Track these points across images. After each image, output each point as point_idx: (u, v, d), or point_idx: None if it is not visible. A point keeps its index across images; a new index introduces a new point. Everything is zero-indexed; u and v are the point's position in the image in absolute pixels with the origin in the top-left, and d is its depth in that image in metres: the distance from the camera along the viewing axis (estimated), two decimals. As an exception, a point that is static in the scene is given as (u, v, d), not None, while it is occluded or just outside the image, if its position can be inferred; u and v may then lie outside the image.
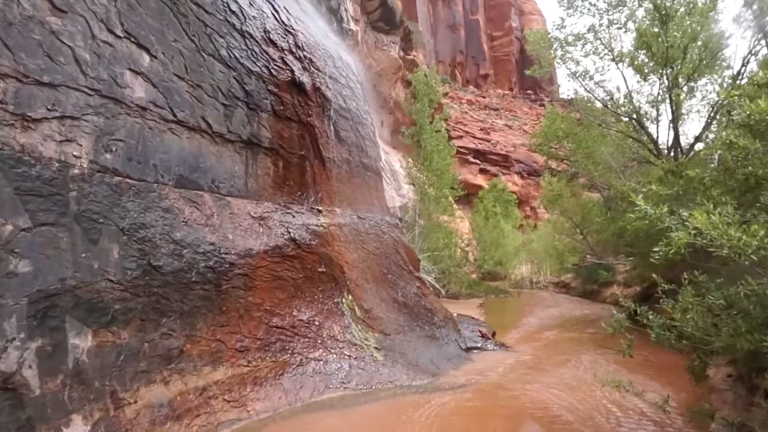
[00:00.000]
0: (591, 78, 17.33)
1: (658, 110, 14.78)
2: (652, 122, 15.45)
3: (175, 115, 5.13)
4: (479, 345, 9.41)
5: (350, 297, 7.05)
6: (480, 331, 10.21)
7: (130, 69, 4.55)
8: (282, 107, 7.01)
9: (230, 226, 5.66)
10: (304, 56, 7.69)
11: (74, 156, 3.93)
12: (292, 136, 7.17)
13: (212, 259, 5.16)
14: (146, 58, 4.78)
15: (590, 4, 16.20)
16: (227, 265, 5.34)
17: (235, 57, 6.29)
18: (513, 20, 75.90)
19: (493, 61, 74.60)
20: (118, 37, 4.43)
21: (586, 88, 17.57)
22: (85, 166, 4.02)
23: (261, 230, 6.12)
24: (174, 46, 5.22)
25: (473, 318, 12.67)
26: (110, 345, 3.84)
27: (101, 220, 4.04)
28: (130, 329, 4.07)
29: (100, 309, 3.84)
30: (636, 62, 12.55)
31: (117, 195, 4.28)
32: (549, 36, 16.66)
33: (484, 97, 67.10)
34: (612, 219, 19.24)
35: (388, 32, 26.16)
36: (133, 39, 4.60)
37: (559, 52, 17.27)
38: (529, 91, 73.11)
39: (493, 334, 10.40)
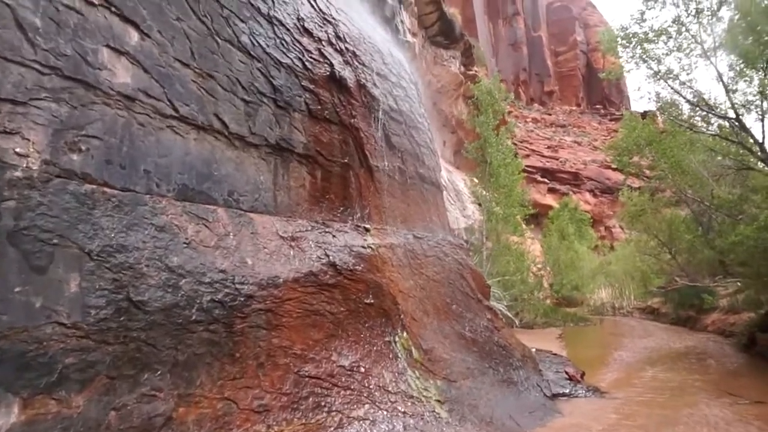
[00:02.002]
0: (676, 78, 15.38)
1: (763, 105, 12.71)
2: (756, 120, 13.35)
3: (176, 110, 4.06)
4: (567, 391, 7.77)
5: (405, 334, 5.70)
6: (566, 372, 8.54)
7: (109, 46, 3.52)
8: (319, 107, 5.88)
9: (251, 248, 4.50)
10: (346, 48, 6.58)
11: (16, 154, 2.89)
12: (333, 141, 6.02)
13: (222, 291, 3.99)
14: (134, 35, 3.75)
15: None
16: (243, 299, 4.16)
17: (260, 46, 5.23)
18: (578, 34, 73.18)
19: (558, 77, 71.96)
20: (91, 4, 3.41)
21: (672, 88, 15.60)
22: (34, 167, 2.97)
23: (292, 253, 4.93)
24: (176, 25, 4.19)
25: (554, 353, 10.93)
26: (51, 418, 2.70)
27: (55, 241, 2.96)
28: (89, 392, 2.93)
29: (39, 366, 2.72)
30: (741, 48, 10.61)
31: (87, 208, 3.21)
32: (627, 32, 14.86)
33: (549, 114, 64.58)
34: (705, 235, 16.89)
35: (447, 47, 25.06)
36: (114, 9, 3.59)
37: (638, 50, 15.45)
38: (597, 106, 69.85)
39: (582, 375, 8.69)
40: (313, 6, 6.46)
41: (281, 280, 4.63)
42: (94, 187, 3.32)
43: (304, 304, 4.80)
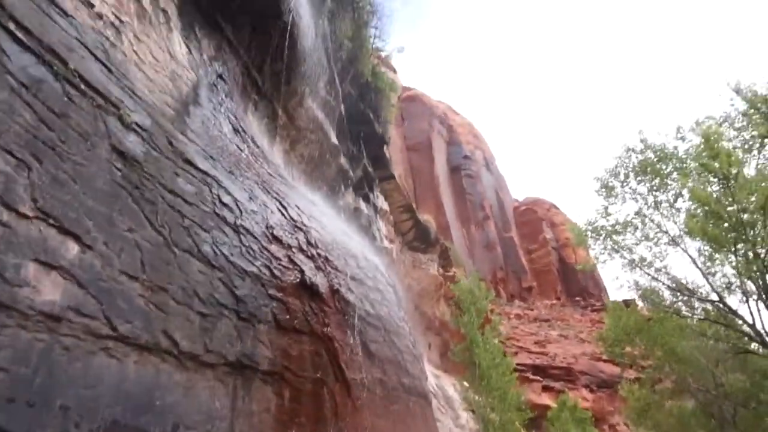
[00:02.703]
0: (651, 265, 15.56)
1: (744, 287, 12.64)
2: (741, 302, 13.15)
3: (114, 328, 3.50)
4: None
5: None
6: None
7: (38, 260, 3.09)
8: (288, 316, 5.38)
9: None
10: (318, 254, 6.33)
11: None
12: (303, 354, 5.38)
13: None
14: (73, 247, 3.36)
15: (630, 189, 15.32)
16: None
17: (224, 255, 4.91)
18: (546, 232, 77.45)
19: (535, 273, 74.01)
20: (23, 216, 3.08)
21: (650, 275, 15.66)
22: None
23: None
24: (127, 236, 3.87)
25: None
26: None
27: None
28: None
29: None
30: (707, 233, 10.81)
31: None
32: (595, 225, 15.38)
33: (532, 310, 64.83)
34: (721, 428, 15.46)
35: (425, 251, 25.75)
36: (52, 221, 3.25)
37: (609, 242, 15.86)
38: (577, 298, 70.75)
39: None
40: (283, 214, 6.38)
41: None
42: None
43: None
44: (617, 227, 15.40)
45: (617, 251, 15.70)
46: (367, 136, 17.13)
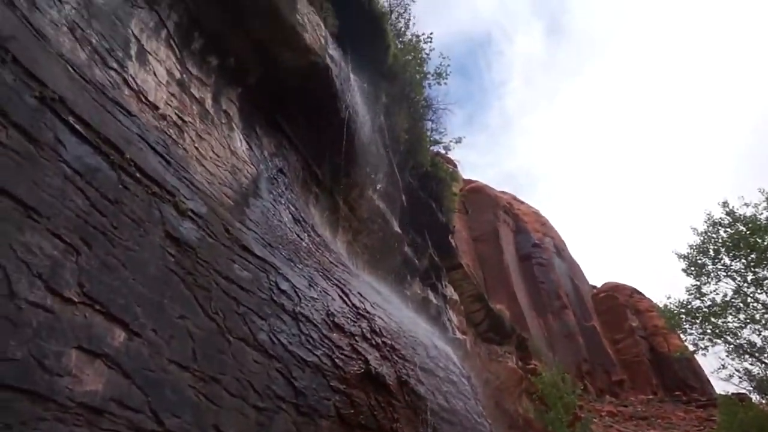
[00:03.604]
0: (762, 351, 13.79)
1: None
2: None
3: (161, 423, 3.22)
4: None
5: None
6: None
7: (81, 348, 2.92)
8: (352, 411, 4.91)
9: None
10: (383, 342, 5.91)
11: None
12: (371, 453, 4.83)
13: None
14: (119, 335, 3.19)
15: (723, 266, 13.98)
16: None
17: (281, 343, 4.63)
18: (631, 320, 72.20)
19: (624, 365, 68.15)
20: (68, 301, 2.96)
21: (765, 364, 13.85)
22: None
23: None
24: (178, 323, 3.68)
25: None
26: None
27: None
28: None
29: None
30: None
31: None
32: (689, 307, 14.00)
33: (626, 406, 58.88)
34: None
35: (500, 342, 24.39)
36: (98, 307, 3.11)
37: (708, 326, 14.29)
38: (677, 393, 63.92)
39: None
40: (345, 301, 6.10)
41: None
42: None
43: None
44: (715, 309, 13.94)
45: (719, 336, 14.12)
46: (430, 226, 16.95)
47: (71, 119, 3.52)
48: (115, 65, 5.06)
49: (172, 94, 5.93)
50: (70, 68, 4.20)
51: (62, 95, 3.56)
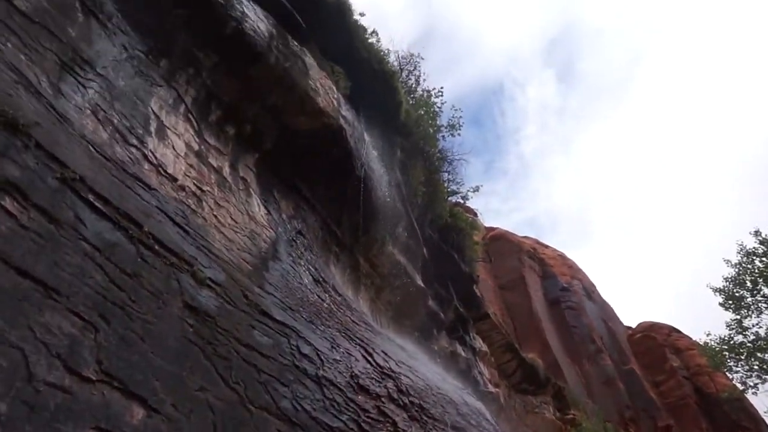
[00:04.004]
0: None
1: None
2: None
3: (181, 506, 3.12)
4: None
5: None
6: None
7: (99, 428, 2.88)
8: (382, 480, 4.72)
9: None
10: (411, 402, 5.74)
11: None
12: None
13: None
14: (138, 412, 3.15)
15: (763, 297, 13.45)
16: None
17: (304, 410, 4.52)
18: (672, 360, 69.23)
19: (669, 409, 64.73)
20: (86, 379, 2.95)
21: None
22: None
23: None
24: (197, 396, 3.63)
25: None
26: None
27: None
28: None
29: None
30: None
31: None
32: (732, 343, 13.41)
33: (677, 455, 55.75)
34: None
35: (535, 393, 23.50)
36: (116, 384, 3.10)
37: (754, 363, 13.61)
38: (729, 436, 60.37)
39: None
40: (369, 361, 5.98)
41: None
42: None
43: None
44: (760, 343, 13.32)
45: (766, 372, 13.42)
46: (454, 277, 16.75)
47: (91, 197, 3.63)
48: (135, 142, 5.26)
49: (191, 165, 6.10)
50: (91, 148, 4.38)
51: (83, 174, 3.69)
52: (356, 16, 11.27)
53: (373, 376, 5.71)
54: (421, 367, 7.33)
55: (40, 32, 4.46)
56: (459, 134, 17.35)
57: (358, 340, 6.34)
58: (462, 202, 20.39)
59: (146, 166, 5.26)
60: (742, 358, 13.06)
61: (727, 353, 13.41)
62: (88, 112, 4.80)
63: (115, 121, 5.08)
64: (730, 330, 13.36)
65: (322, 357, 5.24)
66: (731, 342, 13.29)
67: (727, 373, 14.76)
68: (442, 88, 16.54)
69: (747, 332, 13.09)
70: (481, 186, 18.88)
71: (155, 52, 6.02)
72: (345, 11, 10.56)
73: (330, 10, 9.99)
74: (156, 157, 5.47)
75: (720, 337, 13.67)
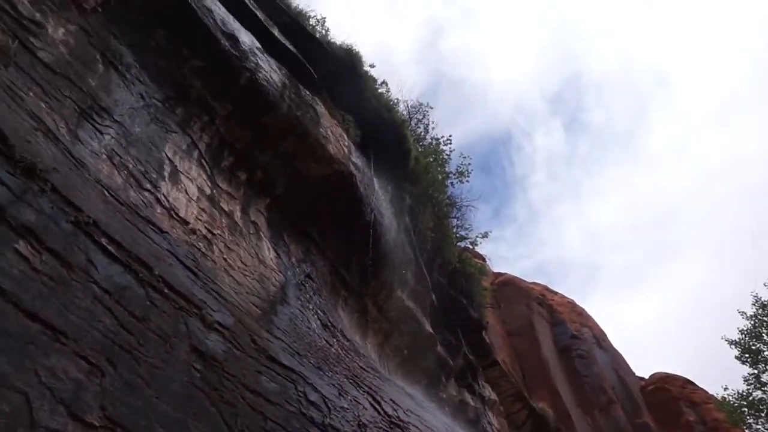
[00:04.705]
0: None
1: None
2: None
3: None
4: None
5: None
6: None
7: (100, 477, 2.82)
8: None
9: None
10: (419, 453, 5.58)
11: None
12: None
13: None
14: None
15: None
16: None
17: (311, 462, 4.40)
18: (687, 414, 67.00)
19: (687, 466, 62.42)
20: (89, 426, 2.90)
21: None
22: None
23: None
24: (202, 444, 3.56)
25: None
26: None
27: None
28: None
29: None
30: None
31: None
32: (750, 399, 12.96)
33: None
34: None
35: (546, 448, 22.74)
36: (119, 430, 3.04)
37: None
38: (752, 496, 57.74)
39: None
40: (377, 410, 5.86)
41: None
42: None
43: None
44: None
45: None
46: (463, 323, 16.52)
47: (104, 240, 3.67)
48: (149, 186, 5.35)
49: (203, 209, 6.17)
50: (105, 192, 4.45)
51: (96, 218, 3.74)
52: (366, 67, 11.62)
53: (381, 425, 5.59)
54: (430, 416, 7.16)
55: (61, 82, 4.62)
56: (467, 181, 17.46)
57: (366, 388, 6.22)
58: (471, 247, 20.33)
59: (159, 209, 5.33)
60: (762, 415, 12.59)
61: (746, 409, 12.93)
62: (104, 157, 4.91)
63: (130, 165, 5.18)
64: (748, 385, 12.94)
65: (330, 404, 5.14)
66: (750, 398, 12.83)
67: (746, 430, 14.20)
68: (450, 136, 16.77)
69: (766, 387, 12.66)
70: (490, 232, 18.82)
71: (171, 101, 6.20)
72: (356, 62, 10.89)
73: (341, 61, 10.30)
74: (169, 201, 5.55)
75: (738, 392, 13.22)
